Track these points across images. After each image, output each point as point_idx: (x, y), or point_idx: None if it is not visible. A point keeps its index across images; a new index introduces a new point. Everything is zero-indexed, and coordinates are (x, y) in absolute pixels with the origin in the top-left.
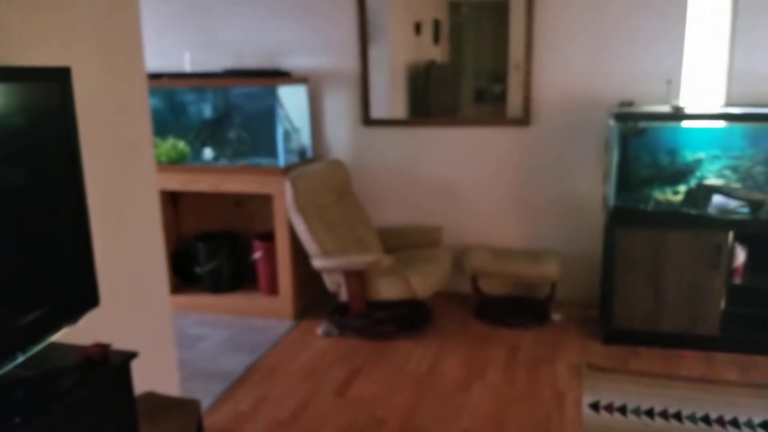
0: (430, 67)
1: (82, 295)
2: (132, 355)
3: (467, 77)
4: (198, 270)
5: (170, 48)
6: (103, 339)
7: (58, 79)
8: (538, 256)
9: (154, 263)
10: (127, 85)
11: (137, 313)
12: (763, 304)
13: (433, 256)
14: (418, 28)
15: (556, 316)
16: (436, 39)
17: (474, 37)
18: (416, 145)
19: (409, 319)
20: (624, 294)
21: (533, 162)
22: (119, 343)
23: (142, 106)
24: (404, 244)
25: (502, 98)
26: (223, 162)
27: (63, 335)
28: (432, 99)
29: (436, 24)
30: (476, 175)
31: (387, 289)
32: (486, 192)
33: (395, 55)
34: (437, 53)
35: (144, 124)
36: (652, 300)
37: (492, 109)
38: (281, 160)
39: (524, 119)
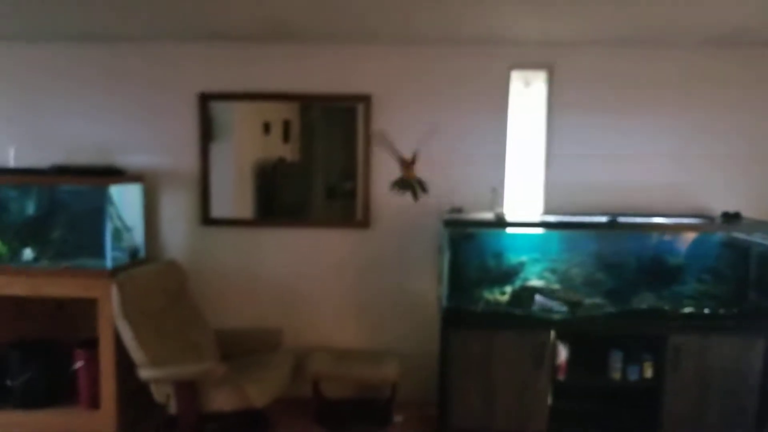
0: (278, 164)
1: None
2: None
3: (318, 174)
4: (9, 383)
5: None
6: None
7: None
8: (378, 357)
9: None
10: None
11: None
12: (586, 399)
13: (272, 361)
14: (267, 127)
15: (398, 418)
16: (287, 138)
17: (325, 136)
18: (259, 246)
19: (244, 431)
20: (459, 393)
21: (373, 263)
22: None
23: None
24: (243, 348)
25: (352, 194)
26: (44, 263)
27: None
28: (280, 197)
29: (287, 124)
30: (319, 276)
31: (221, 400)
32: (328, 293)
33: (241, 153)
34: (287, 151)
35: None
36: (485, 399)
37: (343, 204)
38: (109, 262)
39: (364, 222)
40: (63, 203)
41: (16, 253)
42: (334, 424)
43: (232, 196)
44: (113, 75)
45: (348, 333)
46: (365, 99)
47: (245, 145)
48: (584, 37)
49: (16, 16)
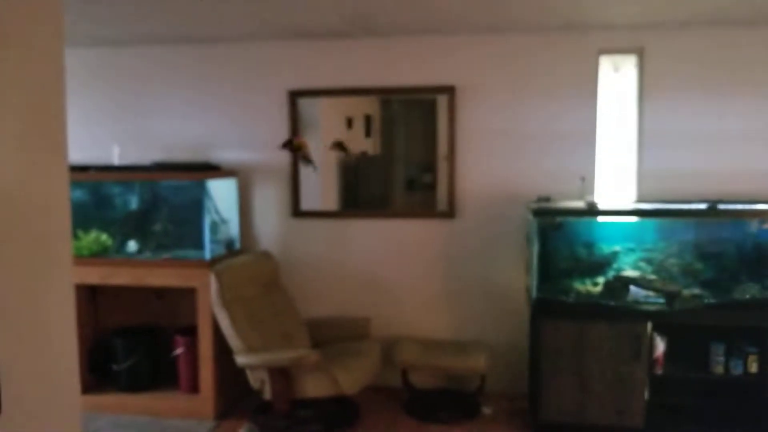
0: (361, 158)
1: None
2: None
3: (398, 167)
4: (115, 367)
5: (98, 140)
6: None
7: None
8: (466, 348)
9: (65, 366)
10: (48, 182)
11: (44, 419)
12: (685, 393)
13: (361, 349)
14: (350, 122)
15: (487, 410)
16: (368, 132)
17: (405, 129)
18: (346, 237)
19: (335, 417)
20: (550, 386)
21: (459, 253)
22: None
23: (62, 203)
24: (333, 336)
25: (432, 187)
26: (147, 255)
27: None
28: (363, 190)
29: (368, 119)
30: (404, 266)
31: (313, 387)
32: (414, 283)
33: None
34: (369, 145)
35: (62, 223)
36: (578, 391)
37: (422, 196)
38: (207, 253)
39: (450, 212)
40: (163, 198)
41: (120, 246)
42: (423, 414)
43: (320, 189)
44: (207, 75)
45: (434, 323)
46: (449, 90)
47: (329, 140)
48: (675, 18)
49: (118, 24)
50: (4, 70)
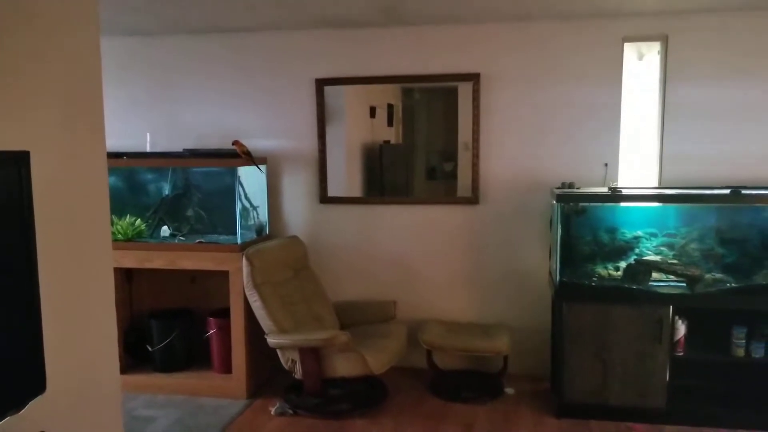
0: (384, 147)
1: (28, 380)
2: None
3: (420, 156)
4: (150, 348)
5: (132, 128)
6: (49, 425)
7: (16, 163)
8: (489, 330)
9: (105, 347)
10: (88, 167)
11: (86, 397)
12: (706, 376)
13: (388, 331)
14: (372, 111)
15: (509, 390)
16: (390, 121)
17: (426, 118)
18: (371, 222)
19: (364, 396)
20: (573, 367)
21: (482, 238)
22: (65, 429)
23: (101, 188)
24: (360, 319)
25: (452, 175)
26: (180, 239)
27: (6, 423)
28: (386, 177)
29: (390, 108)
30: (429, 251)
31: (343, 367)
32: (439, 267)
33: (351, 136)
34: (391, 134)
35: (102, 207)
36: (600, 373)
37: (443, 185)
38: (239, 237)
39: (473, 198)
40: (195, 184)
41: (154, 231)
42: (447, 393)
43: (345, 175)
44: (237, 64)
45: (459, 306)
46: (474, 77)
47: (354, 128)
48: (700, 5)
49: (151, 13)
50: (45, 59)
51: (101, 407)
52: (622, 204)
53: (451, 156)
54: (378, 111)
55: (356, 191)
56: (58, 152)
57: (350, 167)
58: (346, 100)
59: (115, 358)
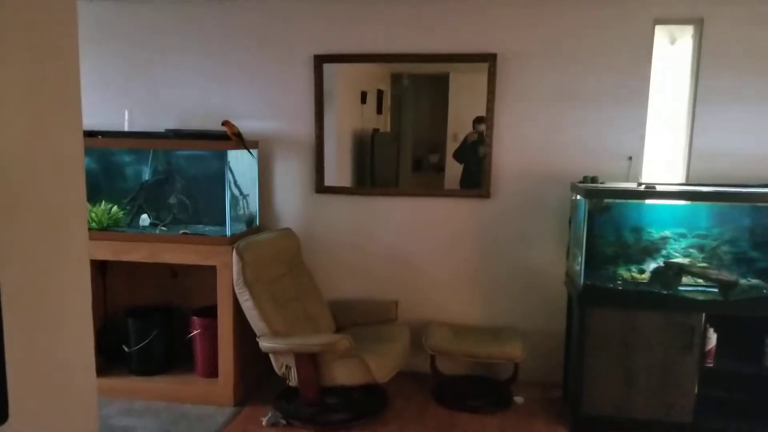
0: (374, 135)
1: None
2: None
3: (406, 147)
4: (126, 349)
5: (108, 105)
6: None
7: None
8: (500, 334)
9: (81, 349)
10: (61, 145)
11: (61, 404)
12: (737, 388)
13: (390, 334)
14: (364, 97)
15: (519, 399)
16: (380, 109)
17: (413, 107)
18: (368, 215)
19: (364, 404)
20: (593, 377)
21: (493, 235)
22: None
23: (76, 168)
24: (358, 319)
25: (439, 168)
26: (162, 229)
27: None
28: (377, 167)
29: (380, 94)
30: (434, 247)
31: (343, 374)
32: (444, 265)
33: (343, 122)
34: (380, 122)
35: (77, 190)
36: (623, 383)
37: (429, 179)
38: (228, 229)
39: (484, 192)
40: (180, 169)
41: (132, 219)
42: (453, 402)
43: (335, 164)
44: (227, 35)
45: (465, 306)
46: (490, 58)
47: (346, 114)
48: None
49: None
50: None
51: (77, 412)
52: (650, 201)
53: (438, 148)
54: (369, 96)
55: (346, 181)
56: (21, 125)
57: (340, 155)
58: (337, 83)
59: (91, 359)
